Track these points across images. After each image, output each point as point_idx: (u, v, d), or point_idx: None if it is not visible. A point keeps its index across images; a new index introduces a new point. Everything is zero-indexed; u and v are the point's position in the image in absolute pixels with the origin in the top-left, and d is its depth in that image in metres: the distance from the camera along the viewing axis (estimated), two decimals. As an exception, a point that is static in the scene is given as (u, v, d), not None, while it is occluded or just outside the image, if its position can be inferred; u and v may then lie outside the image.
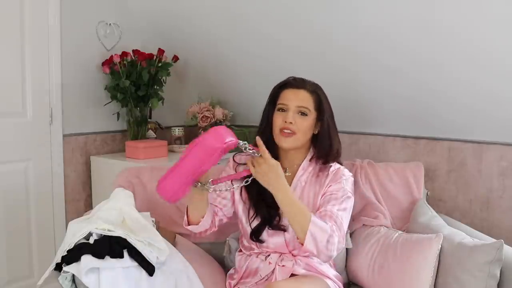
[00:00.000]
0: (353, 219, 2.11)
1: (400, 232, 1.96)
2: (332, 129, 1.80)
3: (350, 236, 2.04)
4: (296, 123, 1.74)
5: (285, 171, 1.80)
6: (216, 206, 1.84)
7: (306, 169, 1.82)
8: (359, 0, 2.14)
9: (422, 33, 2.10)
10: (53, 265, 1.58)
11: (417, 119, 2.53)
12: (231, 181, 1.77)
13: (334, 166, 1.82)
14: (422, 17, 2.04)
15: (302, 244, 1.61)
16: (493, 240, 1.72)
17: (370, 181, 2.17)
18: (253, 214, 1.81)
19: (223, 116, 3.17)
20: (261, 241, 1.80)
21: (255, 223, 1.80)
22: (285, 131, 1.74)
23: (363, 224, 2.07)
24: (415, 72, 2.29)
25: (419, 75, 2.29)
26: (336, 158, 1.84)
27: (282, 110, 1.76)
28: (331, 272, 1.84)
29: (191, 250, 1.93)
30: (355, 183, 2.15)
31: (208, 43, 2.94)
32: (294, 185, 1.80)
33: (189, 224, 1.79)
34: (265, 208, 1.78)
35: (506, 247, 1.66)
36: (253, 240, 1.81)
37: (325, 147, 1.80)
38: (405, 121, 2.58)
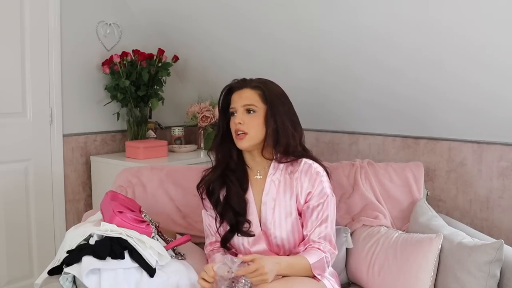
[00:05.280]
0: (353, 219, 2.12)
1: (400, 232, 1.96)
2: (285, 122, 1.75)
3: (350, 235, 2.04)
4: (245, 123, 1.73)
5: (256, 174, 1.81)
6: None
7: (277, 167, 1.79)
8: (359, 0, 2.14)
9: (422, 32, 2.09)
10: (49, 268, 1.58)
11: (417, 119, 2.52)
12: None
13: (305, 162, 1.77)
14: (422, 17, 2.04)
15: None
16: (493, 240, 1.72)
17: (370, 181, 2.17)
18: (221, 222, 1.81)
19: (223, 116, 3.16)
20: (228, 248, 1.82)
21: (223, 231, 1.80)
22: (239, 133, 1.74)
23: (363, 224, 2.06)
24: (415, 72, 2.29)
25: (419, 75, 2.29)
26: (299, 153, 1.78)
27: (233, 114, 1.78)
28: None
29: (191, 250, 1.93)
30: (355, 181, 2.17)
31: (208, 43, 2.94)
32: (267, 187, 1.78)
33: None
34: (232, 215, 1.78)
35: (506, 247, 1.66)
36: (225, 248, 1.82)
37: (281, 142, 1.75)
38: (405, 121, 2.58)
